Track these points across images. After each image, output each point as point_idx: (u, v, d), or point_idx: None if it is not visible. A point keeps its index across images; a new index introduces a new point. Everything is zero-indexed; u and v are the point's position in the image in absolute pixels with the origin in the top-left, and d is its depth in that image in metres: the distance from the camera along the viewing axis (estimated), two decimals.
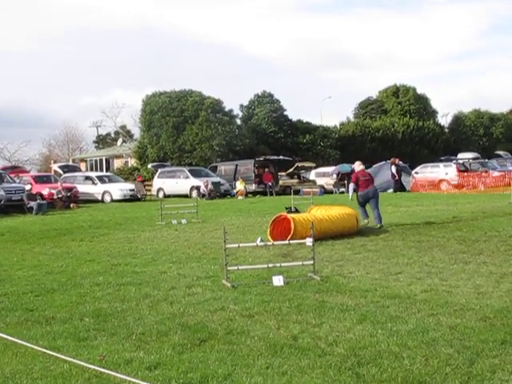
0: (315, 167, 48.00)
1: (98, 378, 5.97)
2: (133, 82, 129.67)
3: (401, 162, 41.59)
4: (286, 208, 21.16)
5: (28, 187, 31.95)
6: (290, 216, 15.66)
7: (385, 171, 40.69)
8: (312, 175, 46.75)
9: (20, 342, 6.30)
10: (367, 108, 70.51)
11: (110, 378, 5.90)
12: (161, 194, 41.53)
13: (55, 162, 63.45)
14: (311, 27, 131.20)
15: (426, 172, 41.04)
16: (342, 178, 42.64)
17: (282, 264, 11.40)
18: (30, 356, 6.72)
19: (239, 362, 6.36)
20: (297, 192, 36.74)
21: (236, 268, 10.90)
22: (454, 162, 44.01)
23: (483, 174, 39.80)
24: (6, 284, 11.24)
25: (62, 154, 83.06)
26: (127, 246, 16.08)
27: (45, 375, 6.15)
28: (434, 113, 71.94)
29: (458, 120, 71.92)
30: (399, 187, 38.75)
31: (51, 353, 6.22)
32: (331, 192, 42.15)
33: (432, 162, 45.68)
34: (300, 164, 46.76)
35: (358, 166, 19.96)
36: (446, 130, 71.48)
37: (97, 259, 13.99)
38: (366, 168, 42.04)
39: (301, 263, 11.20)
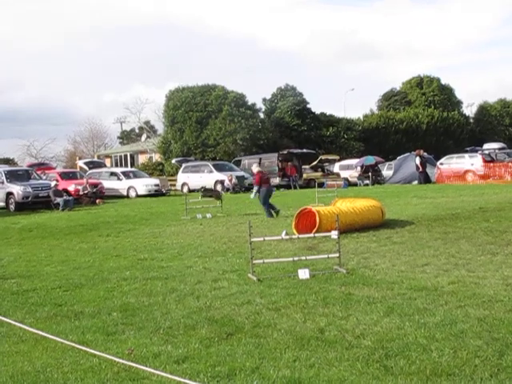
0: (339, 160, 47.86)
1: (127, 372, 6.02)
2: (155, 77, 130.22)
3: (425, 154, 41.31)
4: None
5: (54, 184, 32.23)
6: (315, 209, 15.64)
7: (409, 163, 40.48)
8: (336, 168, 46.62)
9: (50, 336, 6.37)
10: (391, 99, 70.10)
11: (138, 372, 5.94)
12: (185, 189, 41.63)
13: (80, 158, 63.96)
14: (333, 19, 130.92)
15: (452, 163, 40.67)
16: (367, 171, 42.47)
17: (308, 257, 11.39)
18: (60, 350, 6.80)
19: (266, 355, 6.38)
20: (321, 185, 36.66)
21: (261, 261, 10.92)
22: (480, 152, 43.58)
23: (509, 164, 39.36)
24: (34, 279, 11.37)
25: (87, 150, 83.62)
26: (153, 241, 16.17)
27: (75, 369, 6.22)
28: (458, 103, 71.33)
29: (483, 110, 71.24)
30: (424, 179, 38.49)
31: (80, 347, 6.28)
32: (355, 184, 42.00)
33: (457, 152, 45.27)
34: (324, 157, 46.65)
35: (255, 168, 22.37)
36: (471, 121, 70.89)
37: (123, 254, 14.09)
38: (390, 160, 41.88)
39: (326, 256, 11.18)
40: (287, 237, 12.88)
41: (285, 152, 45.12)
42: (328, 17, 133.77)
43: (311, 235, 13.08)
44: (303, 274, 10.25)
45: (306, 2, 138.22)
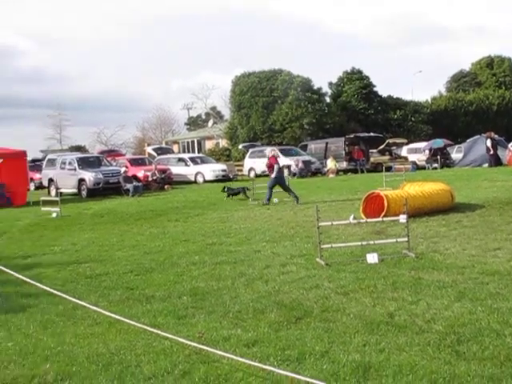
0: (407, 143, 47.14)
1: (198, 355, 6.12)
2: (222, 63, 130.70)
3: (496, 136, 40.26)
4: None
5: (124, 170, 32.82)
6: (382, 193, 15.49)
7: (479, 145, 39.56)
8: (404, 151, 45.96)
9: (123, 319, 6.53)
10: (460, 81, 68.58)
11: (209, 355, 6.03)
12: (252, 174, 41.78)
13: (149, 144, 64.83)
14: (399, 0, 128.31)
15: None
16: (435, 154, 41.75)
17: (376, 241, 11.29)
18: (133, 333, 6.96)
19: (336, 339, 6.39)
20: (388, 169, 36.26)
21: (329, 246, 10.90)
22: None
23: None
24: (107, 264, 11.64)
25: (155, 136, 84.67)
26: (221, 226, 16.32)
27: (147, 351, 6.36)
28: None
29: None
30: (495, 161, 37.59)
31: (152, 330, 6.42)
32: (424, 168, 41.34)
33: None
34: (391, 140, 46.04)
35: (270, 153, 23.09)
36: None
37: (192, 239, 14.27)
38: (459, 142, 40.97)
39: (395, 240, 11.09)
40: (355, 221, 12.82)
41: (351, 136, 44.75)
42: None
43: (379, 219, 12.98)
44: (372, 258, 10.20)
45: None
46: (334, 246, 11.06)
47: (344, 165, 41.75)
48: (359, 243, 11.17)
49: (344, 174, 39.80)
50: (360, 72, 57.81)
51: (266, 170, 23.90)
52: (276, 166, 21.70)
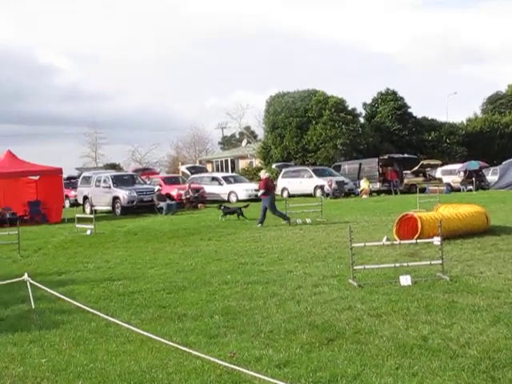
0: (441, 165, 46.78)
1: (229, 375, 6.11)
2: (256, 83, 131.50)
3: None
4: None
5: (158, 188, 33.05)
6: (416, 215, 15.38)
7: None
8: (438, 173, 45.60)
9: (155, 337, 6.52)
10: (496, 103, 67.95)
11: (240, 375, 6.01)
12: (285, 194, 41.76)
13: (183, 163, 65.31)
14: (435, 21, 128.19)
15: None
16: (470, 176, 41.34)
17: (410, 263, 11.21)
18: (165, 351, 6.97)
19: (368, 361, 6.32)
20: (422, 190, 35.95)
21: (362, 267, 10.83)
22: None
23: None
24: (139, 281, 11.70)
25: (189, 155, 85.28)
26: (253, 245, 16.31)
27: (179, 370, 6.37)
28: None
29: None
30: None
31: (184, 349, 6.40)
32: (458, 190, 40.97)
33: None
34: (425, 162, 45.71)
35: (264, 174, 22.68)
36: None
37: (224, 258, 14.28)
38: (495, 165, 40.55)
39: (429, 263, 10.97)
40: (388, 242, 12.72)
41: (385, 157, 44.55)
42: (430, 19, 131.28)
43: (413, 241, 12.89)
44: (405, 280, 10.10)
45: (408, 5, 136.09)
46: (366, 268, 10.98)
47: (377, 186, 41.53)
48: (392, 265, 11.08)
49: (377, 195, 39.58)
50: (395, 93, 57.67)
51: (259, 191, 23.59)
52: (261, 192, 22.08)
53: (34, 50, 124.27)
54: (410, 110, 58.00)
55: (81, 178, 38.19)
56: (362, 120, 56.97)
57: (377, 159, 43.49)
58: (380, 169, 42.76)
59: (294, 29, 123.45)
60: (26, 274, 7.30)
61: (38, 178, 31.14)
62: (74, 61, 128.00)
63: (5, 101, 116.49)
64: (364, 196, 38.68)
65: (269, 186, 22.05)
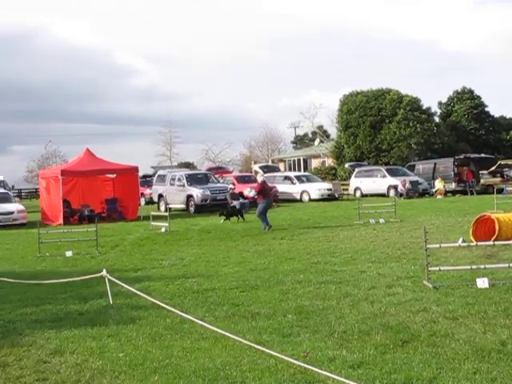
0: None
1: (303, 374, 6.11)
2: (329, 82, 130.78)
3: None
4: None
5: (231, 187, 33.29)
6: (494, 216, 15.03)
7: None
8: None
9: (229, 335, 6.59)
10: None
11: (314, 375, 6.01)
12: (358, 193, 41.44)
13: (255, 162, 65.56)
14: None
15: None
16: None
17: (487, 266, 10.96)
18: (238, 349, 7.04)
19: (444, 365, 6.23)
20: (500, 191, 35.05)
21: (437, 269, 10.66)
22: None
23: None
24: (213, 279, 11.84)
25: (262, 154, 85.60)
26: (326, 245, 16.27)
27: (253, 368, 6.41)
28: None
29: None
30: None
31: (258, 347, 6.44)
32: None
33: None
34: (503, 162, 44.56)
35: (260, 178, 22.61)
36: None
37: (297, 257, 14.29)
38: None
39: (507, 265, 10.69)
40: (464, 244, 12.49)
41: (461, 157, 43.63)
42: (508, 16, 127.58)
43: (490, 243, 12.59)
44: (482, 282, 9.89)
45: (485, 3, 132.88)
46: (442, 269, 10.81)
47: (453, 186, 40.70)
48: (469, 267, 10.86)
49: (452, 196, 38.84)
50: (471, 91, 56.47)
51: (256, 195, 23.82)
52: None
53: (112, 52, 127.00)
54: (487, 109, 56.69)
55: (156, 176, 38.85)
56: (437, 119, 55.99)
57: (452, 159, 42.62)
58: (455, 169, 41.89)
59: (368, 27, 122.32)
60: (104, 270, 7.49)
61: (114, 176, 31.87)
62: (151, 62, 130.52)
63: (84, 101, 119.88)
64: (439, 196, 38.01)
65: (265, 190, 21.94)
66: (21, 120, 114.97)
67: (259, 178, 22.65)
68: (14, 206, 29.55)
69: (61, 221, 27.76)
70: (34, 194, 59.87)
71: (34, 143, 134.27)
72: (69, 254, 16.41)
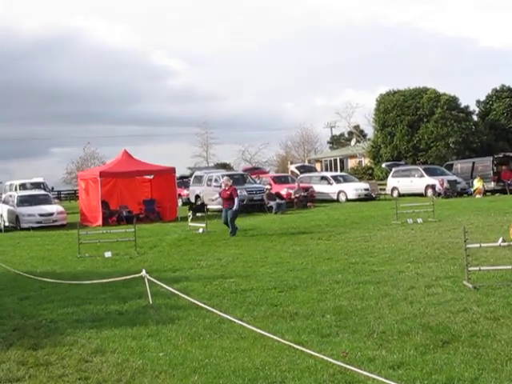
0: None
1: (343, 375, 6.11)
2: (365, 81, 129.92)
3: None
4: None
5: (268, 187, 33.35)
6: None
7: None
8: None
9: (268, 334, 6.60)
10: None
11: (353, 375, 6.00)
12: (395, 193, 41.15)
13: (292, 162, 65.53)
14: None
15: None
16: None
17: None
18: (277, 349, 7.05)
19: (486, 366, 6.17)
20: None
21: (477, 269, 10.54)
22: None
23: None
24: (251, 280, 11.87)
25: (298, 154, 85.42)
26: (364, 245, 16.20)
27: (292, 368, 6.42)
28: None
29: None
30: None
31: (297, 347, 6.45)
32: None
33: None
34: None
35: (227, 182, 21.37)
36: None
37: (335, 257, 14.26)
38: None
39: None
40: (505, 243, 12.32)
41: (500, 155, 43.05)
42: None
43: None
44: None
45: None
46: (482, 269, 10.69)
47: (492, 185, 40.16)
48: (510, 267, 10.71)
49: (491, 195, 38.33)
50: (510, 89, 55.64)
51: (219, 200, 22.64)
52: (237, 200, 20.63)
53: (149, 53, 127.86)
54: None
55: (193, 177, 39.07)
56: (475, 118, 55.33)
57: (491, 158, 42.06)
58: (494, 168, 41.34)
59: (404, 25, 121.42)
60: (143, 271, 7.57)
61: (152, 177, 32.12)
62: (187, 63, 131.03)
63: (122, 103, 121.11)
64: (477, 196, 37.55)
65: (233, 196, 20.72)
66: (60, 122, 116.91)
67: (226, 182, 21.42)
68: (54, 208, 29.95)
69: (100, 222, 28.08)
70: (73, 196, 60.55)
71: (72, 145, 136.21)
72: (108, 254, 16.61)
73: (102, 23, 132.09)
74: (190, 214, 24.82)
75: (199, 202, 28.97)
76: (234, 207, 20.36)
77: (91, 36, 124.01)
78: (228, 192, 20.76)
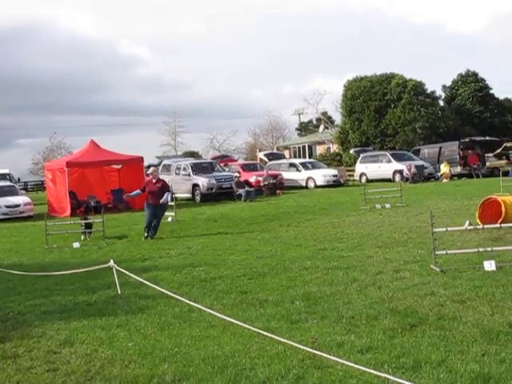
0: None
1: (312, 360, 6.14)
2: (334, 68, 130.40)
3: None
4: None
5: (236, 175, 33.32)
6: (500, 199, 15.01)
7: None
8: None
9: (237, 322, 6.61)
10: None
11: (322, 360, 6.03)
12: (363, 179, 41.40)
13: (260, 150, 65.54)
14: None
15: None
16: None
17: (494, 248, 10.92)
18: (247, 336, 7.06)
19: (453, 348, 6.24)
20: (505, 173, 34.98)
21: (444, 252, 10.67)
22: None
23: None
24: (220, 268, 11.86)
25: (267, 142, 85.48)
26: (332, 231, 16.28)
27: (261, 355, 6.44)
28: None
29: None
30: None
31: (267, 334, 6.47)
32: None
33: None
34: (508, 144, 44.41)
35: (155, 172, 18.45)
36: None
37: (304, 244, 14.31)
38: None
39: None
40: (471, 227, 12.48)
41: (466, 140, 43.49)
42: None
43: (497, 225, 12.57)
44: (489, 265, 9.90)
45: None
46: (449, 253, 10.82)
47: (458, 169, 40.62)
48: (476, 250, 10.85)
49: (458, 179, 38.76)
50: (475, 74, 56.19)
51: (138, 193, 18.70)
52: (167, 195, 17.49)
53: (116, 42, 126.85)
54: (491, 92, 56.43)
55: (161, 166, 38.86)
56: (441, 103, 55.77)
57: (457, 142, 42.50)
58: (461, 152, 41.78)
59: (370, 12, 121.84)
60: (111, 261, 7.53)
61: (120, 166, 31.88)
62: (155, 51, 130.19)
63: (89, 92, 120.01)
64: (444, 180, 37.92)
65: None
66: (25, 113, 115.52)
67: (154, 172, 18.49)
68: (21, 199, 29.56)
69: (68, 212, 27.81)
70: (40, 187, 59.94)
71: (39, 136, 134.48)
72: (76, 245, 16.50)
73: (70, 12, 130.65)
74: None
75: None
76: (162, 200, 17.33)
77: (59, 25, 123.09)
78: (158, 185, 17.58)
